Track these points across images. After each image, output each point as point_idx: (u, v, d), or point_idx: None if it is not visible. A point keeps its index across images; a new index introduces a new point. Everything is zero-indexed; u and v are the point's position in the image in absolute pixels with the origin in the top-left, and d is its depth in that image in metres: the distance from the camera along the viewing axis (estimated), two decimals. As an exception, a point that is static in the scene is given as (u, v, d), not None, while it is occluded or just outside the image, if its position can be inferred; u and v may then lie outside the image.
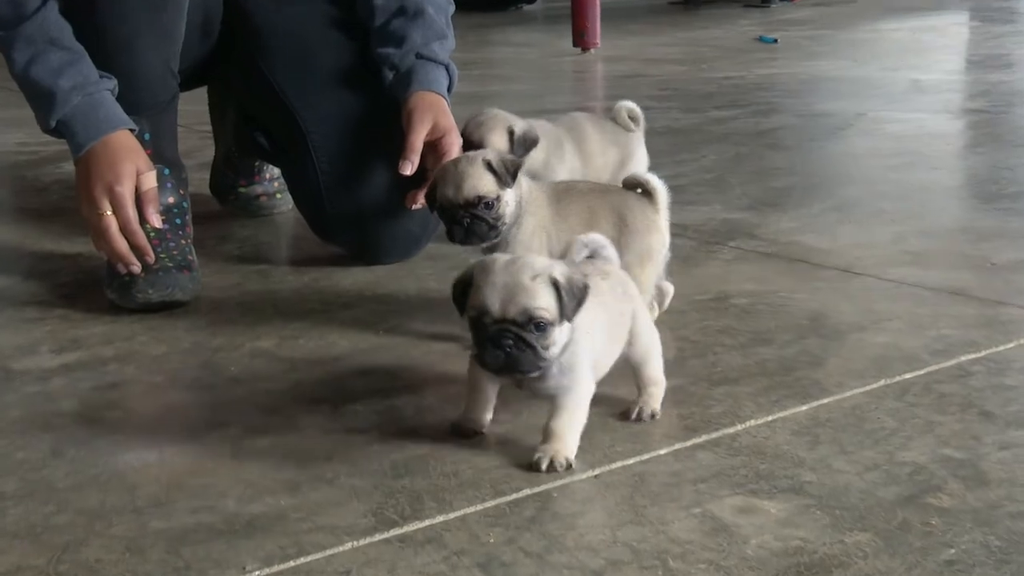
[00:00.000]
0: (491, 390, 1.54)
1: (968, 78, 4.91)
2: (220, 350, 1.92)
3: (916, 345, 1.81)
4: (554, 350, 1.41)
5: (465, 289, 1.43)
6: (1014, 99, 4.17)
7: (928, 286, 2.08)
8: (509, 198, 1.82)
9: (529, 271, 1.40)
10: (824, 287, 2.12)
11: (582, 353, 1.46)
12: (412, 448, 1.53)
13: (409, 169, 2.12)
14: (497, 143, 2.22)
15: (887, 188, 2.84)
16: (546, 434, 1.46)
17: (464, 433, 1.54)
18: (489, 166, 1.80)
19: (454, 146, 2.14)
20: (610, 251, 1.62)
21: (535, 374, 1.43)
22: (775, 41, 6.02)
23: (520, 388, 1.50)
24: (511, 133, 2.24)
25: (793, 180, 2.96)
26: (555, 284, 1.39)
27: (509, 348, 1.39)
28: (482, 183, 1.79)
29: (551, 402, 1.47)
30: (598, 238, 1.61)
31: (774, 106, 4.14)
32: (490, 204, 1.80)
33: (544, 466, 1.42)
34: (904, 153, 3.22)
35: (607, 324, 1.52)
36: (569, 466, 1.43)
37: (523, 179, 1.87)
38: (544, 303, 1.38)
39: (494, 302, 1.38)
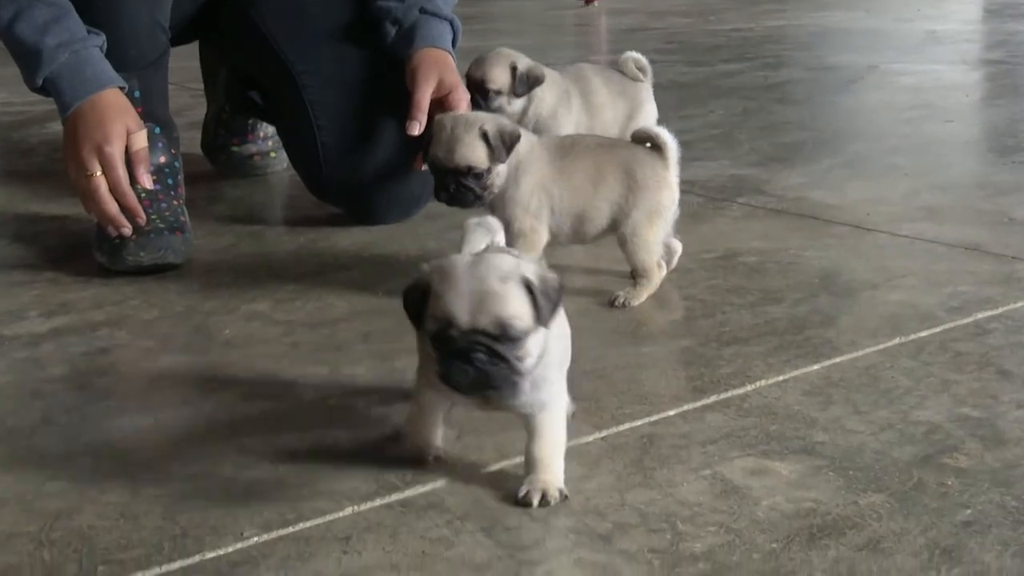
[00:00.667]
0: (442, 411, 1.34)
1: (986, 28, 4.84)
2: (213, 313, 1.88)
3: (931, 302, 1.76)
4: (529, 361, 1.21)
5: (422, 298, 1.20)
6: (1030, 50, 4.11)
7: (943, 242, 2.03)
8: (500, 170, 1.77)
9: (496, 272, 1.19)
10: (835, 244, 2.07)
11: (555, 363, 1.28)
12: (413, 411, 1.48)
13: (417, 129, 2.05)
14: (499, 79, 2.18)
15: (899, 142, 2.79)
16: (530, 463, 1.27)
17: (422, 461, 1.34)
18: (485, 136, 1.74)
19: (461, 103, 2.08)
20: (502, 236, 1.42)
21: (508, 391, 1.22)
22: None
23: (485, 408, 1.29)
24: (514, 70, 2.20)
25: (803, 135, 2.90)
26: (528, 286, 1.19)
27: (480, 363, 1.18)
28: (474, 154, 1.75)
29: (525, 422, 1.27)
30: (493, 220, 1.42)
31: (783, 59, 4.08)
32: (479, 175, 1.75)
33: (536, 501, 1.23)
34: (918, 106, 3.17)
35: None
36: (565, 497, 1.24)
37: (524, 135, 1.82)
38: (518, 310, 1.18)
39: (461, 312, 1.16)
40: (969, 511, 1.20)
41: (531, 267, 1.22)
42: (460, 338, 1.17)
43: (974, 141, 2.91)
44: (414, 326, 1.24)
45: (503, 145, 1.75)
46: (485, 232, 1.37)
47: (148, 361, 1.73)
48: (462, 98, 2.09)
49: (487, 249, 1.32)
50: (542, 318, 1.19)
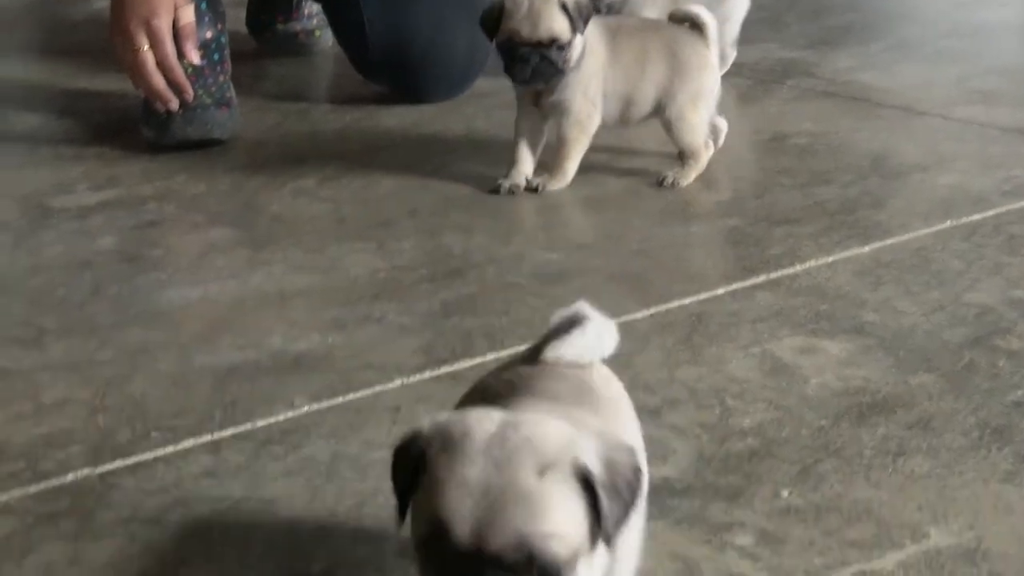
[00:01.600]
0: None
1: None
2: (260, 189, 1.88)
3: (984, 186, 1.73)
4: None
5: (412, 475, 0.72)
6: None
7: (997, 126, 1.99)
8: (578, 43, 1.75)
9: (534, 457, 0.69)
10: (886, 127, 2.03)
11: None
12: (461, 287, 1.49)
13: None
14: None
15: (952, 27, 2.72)
16: None
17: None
18: (564, 8, 1.72)
19: None
20: (610, 341, 0.91)
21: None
22: None
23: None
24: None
25: (852, 17, 2.84)
26: (584, 479, 0.69)
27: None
28: (557, 24, 1.72)
29: None
30: (596, 317, 0.89)
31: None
32: (562, 47, 1.73)
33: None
34: (970, -10, 3.09)
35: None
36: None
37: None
38: (559, 526, 0.68)
39: (461, 522, 0.67)
40: (1020, 392, 1.19)
41: (593, 440, 0.72)
42: (458, 563, 0.69)
43: (1029, 26, 2.84)
44: (398, 512, 0.74)
45: (580, 16, 1.73)
46: (581, 334, 0.88)
47: (196, 234, 1.74)
48: None
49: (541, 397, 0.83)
50: (606, 531, 0.71)
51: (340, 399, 1.24)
